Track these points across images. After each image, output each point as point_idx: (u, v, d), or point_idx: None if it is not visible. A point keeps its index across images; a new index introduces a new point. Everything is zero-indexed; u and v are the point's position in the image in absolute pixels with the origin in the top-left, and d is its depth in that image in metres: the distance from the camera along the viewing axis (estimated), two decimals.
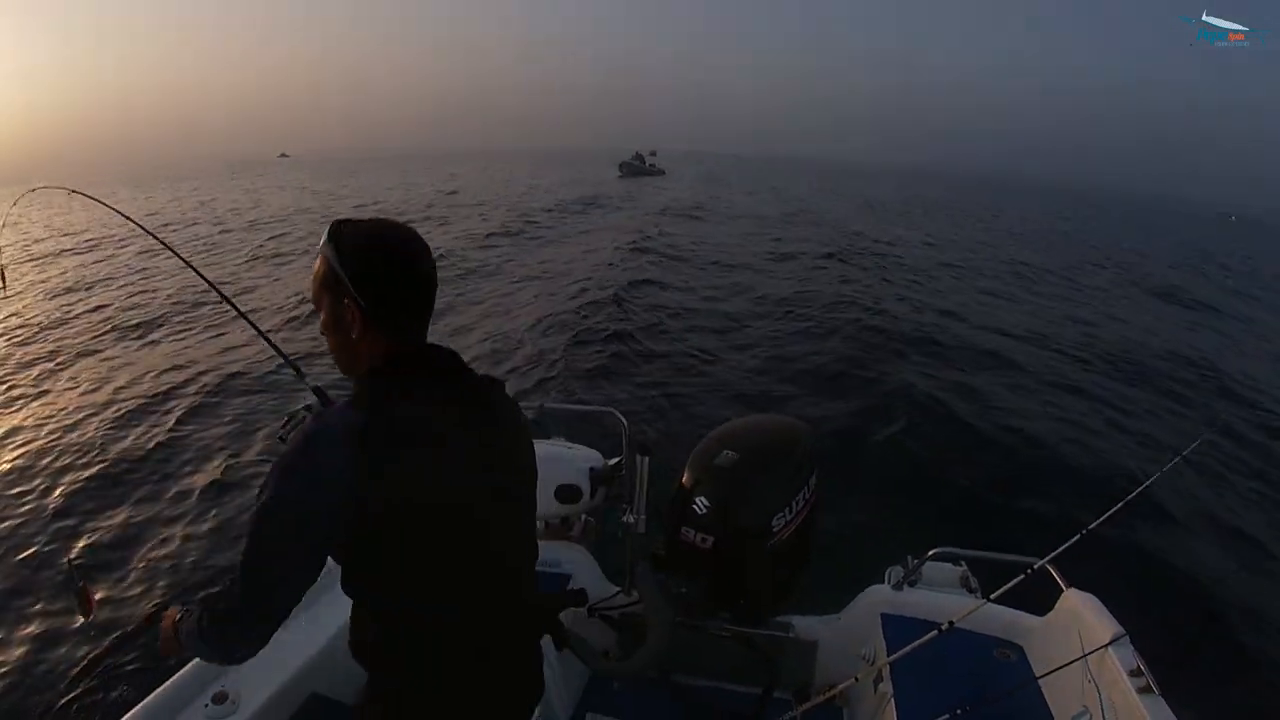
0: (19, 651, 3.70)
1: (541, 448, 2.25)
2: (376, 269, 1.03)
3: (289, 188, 46.54)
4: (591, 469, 2.22)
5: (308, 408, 1.60)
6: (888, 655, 1.76)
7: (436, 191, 38.33)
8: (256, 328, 2.01)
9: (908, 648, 1.63)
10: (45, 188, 2.57)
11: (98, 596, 1.39)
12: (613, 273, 13.31)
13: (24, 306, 11.67)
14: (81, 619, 1.49)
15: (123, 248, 17.39)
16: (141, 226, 2.30)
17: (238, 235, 20.67)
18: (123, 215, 2.42)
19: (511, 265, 14.96)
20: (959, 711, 1.49)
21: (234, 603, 1.01)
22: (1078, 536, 1.71)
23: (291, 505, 0.96)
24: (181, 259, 2.19)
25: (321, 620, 1.77)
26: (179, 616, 1.13)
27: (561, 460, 2.22)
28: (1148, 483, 1.87)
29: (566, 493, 2.18)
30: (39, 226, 23.34)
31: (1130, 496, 1.82)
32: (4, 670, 3.58)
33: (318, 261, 1.06)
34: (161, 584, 4.24)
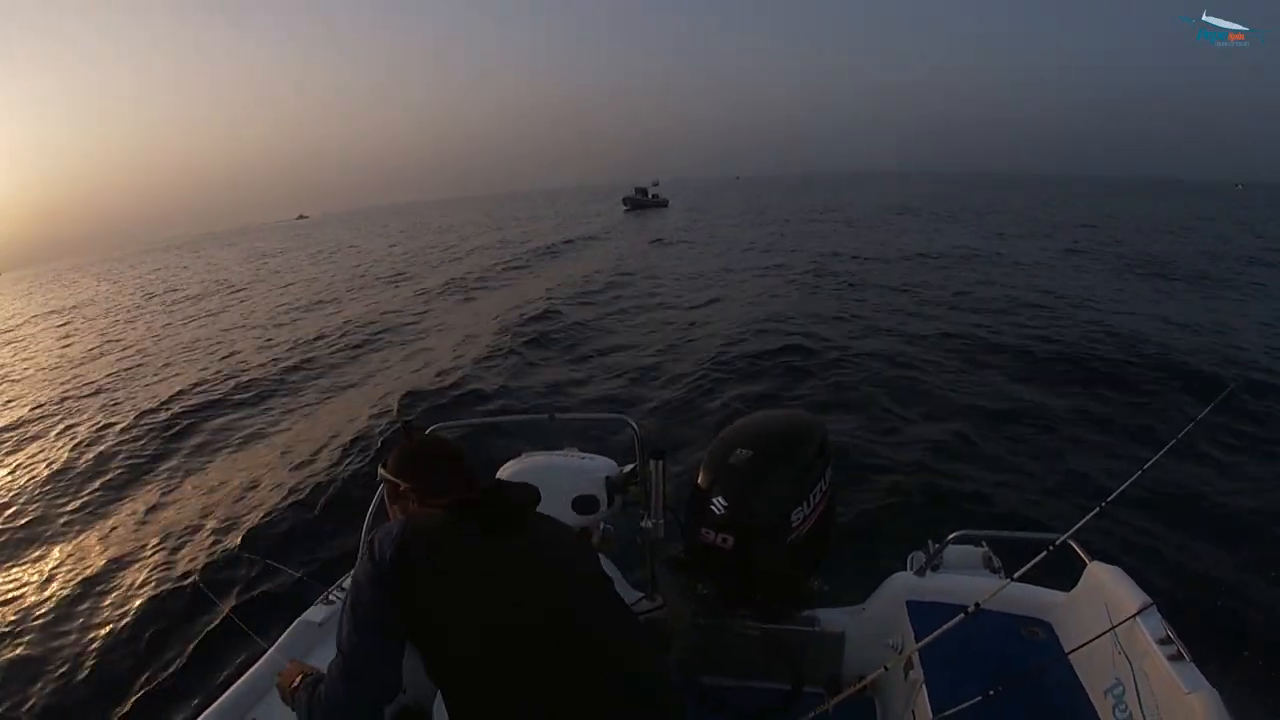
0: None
1: (554, 459, 2.25)
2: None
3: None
4: (607, 478, 2.21)
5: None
6: (915, 642, 1.76)
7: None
8: None
9: (935, 633, 1.62)
10: None
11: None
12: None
13: None
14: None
15: None
16: None
17: None
18: None
19: None
20: (991, 692, 1.49)
21: (335, 677, 1.14)
22: (1097, 510, 1.70)
23: (368, 574, 1.14)
24: None
25: None
26: (301, 679, 1.27)
27: (576, 471, 2.22)
28: (1160, 452, 1.86)
29: (584, 504, 2.18)
30: None
31: (1145, 467, 1.81)
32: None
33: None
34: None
